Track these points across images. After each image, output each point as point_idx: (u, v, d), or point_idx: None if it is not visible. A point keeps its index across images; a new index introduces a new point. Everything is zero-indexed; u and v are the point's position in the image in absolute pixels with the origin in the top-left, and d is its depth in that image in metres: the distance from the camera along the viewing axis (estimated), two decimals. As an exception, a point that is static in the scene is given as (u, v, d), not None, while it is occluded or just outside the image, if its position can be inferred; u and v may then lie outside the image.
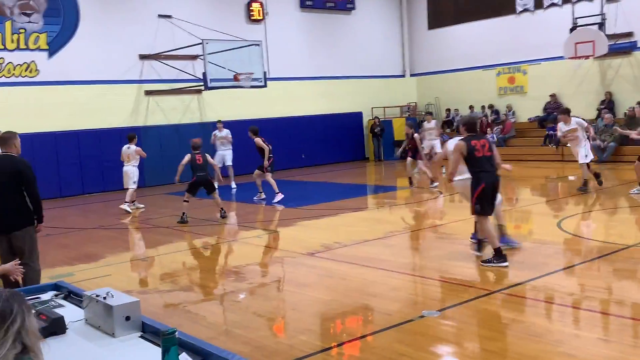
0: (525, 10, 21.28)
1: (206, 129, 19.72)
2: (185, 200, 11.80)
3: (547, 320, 5.55)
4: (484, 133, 7.41)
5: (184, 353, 2.59)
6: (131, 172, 13.78)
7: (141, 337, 2.97)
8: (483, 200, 7.23)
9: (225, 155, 16.92)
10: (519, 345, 4.87)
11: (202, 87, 17.83)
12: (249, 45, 17.72)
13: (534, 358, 4.58)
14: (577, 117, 12.53)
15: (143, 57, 18.53)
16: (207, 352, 2.60)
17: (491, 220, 7.54)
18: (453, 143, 8.15)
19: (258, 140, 13.55)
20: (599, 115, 18.68)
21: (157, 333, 2.80)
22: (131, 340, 2.95)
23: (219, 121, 17.31)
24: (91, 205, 15.55)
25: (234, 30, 18.92)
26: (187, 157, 11.82)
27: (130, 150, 13.91)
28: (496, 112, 22.00)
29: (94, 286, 4.02)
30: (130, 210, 13.57)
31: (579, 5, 19.21)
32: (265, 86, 18.08)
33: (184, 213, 11.71)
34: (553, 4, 20.42)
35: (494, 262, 7.21)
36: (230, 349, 4.83)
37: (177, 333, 2.54)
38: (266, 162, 13.54)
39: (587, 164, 12.10)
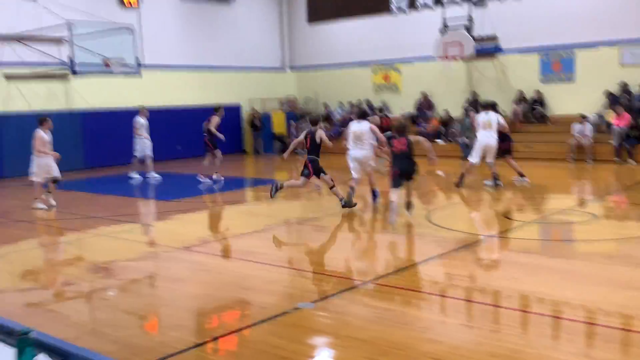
0: (400, 10, 22.06)
1: (74, 117, 18.68)
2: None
3: (416, 308, 5.79)
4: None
5: (41, 354, 2.43)
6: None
7: (-7, 339, 2.74)
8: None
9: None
10: (389, 333, 5.03)
11: (69, 72, 16.79)
12: (119, 28, 16.89)
13: (403, 344, 4.76)
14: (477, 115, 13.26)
15: (2, 37, 17.12)
16: (67, 352, 2.44)
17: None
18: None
19: None
20: (466, 114, 19.82)
21: (12, 333, 2.61)
22: (-19, 342, 2.70)
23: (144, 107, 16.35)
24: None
25: (106, 15, 17.98)
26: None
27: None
28: (371, 108, 22.65)
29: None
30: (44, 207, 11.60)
31: (449, 8, 20.21)
32: (138, 73, 17.39)
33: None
34: (426, 5, 21.32)
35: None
36: (96, 349, 4.60)
37: (33, 333, 2.38)
38: None
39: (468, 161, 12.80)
